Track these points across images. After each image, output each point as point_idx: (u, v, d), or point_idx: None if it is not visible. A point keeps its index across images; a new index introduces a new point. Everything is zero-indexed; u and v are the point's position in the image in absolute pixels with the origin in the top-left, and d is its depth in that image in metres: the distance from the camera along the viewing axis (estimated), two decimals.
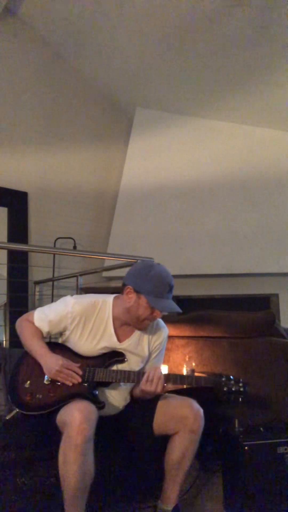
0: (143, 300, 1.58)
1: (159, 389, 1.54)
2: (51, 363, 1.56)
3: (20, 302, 3.68)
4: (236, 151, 4.55)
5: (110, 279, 4.39)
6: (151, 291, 1.57)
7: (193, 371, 2.35)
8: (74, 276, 3.42)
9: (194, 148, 4.59)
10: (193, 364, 2.40)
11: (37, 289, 3.88)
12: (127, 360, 1.66)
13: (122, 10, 3.56)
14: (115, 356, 1.65)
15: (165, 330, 1.79)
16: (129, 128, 4.73)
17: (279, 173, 4.44)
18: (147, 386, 1.54)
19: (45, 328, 1.67)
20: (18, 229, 3.89)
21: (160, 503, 1.63)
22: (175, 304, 1.62)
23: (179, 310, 1.61)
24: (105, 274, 4.24)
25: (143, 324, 1.66)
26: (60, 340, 1.73)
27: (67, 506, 1.38)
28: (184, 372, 2.38)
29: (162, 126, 4.66)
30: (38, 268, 3.93)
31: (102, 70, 4.40)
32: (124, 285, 1.64)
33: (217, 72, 4.00)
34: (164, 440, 1.62)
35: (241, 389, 1.58)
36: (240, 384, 1.59)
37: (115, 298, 1.71)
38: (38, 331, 1.67)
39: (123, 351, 1.67)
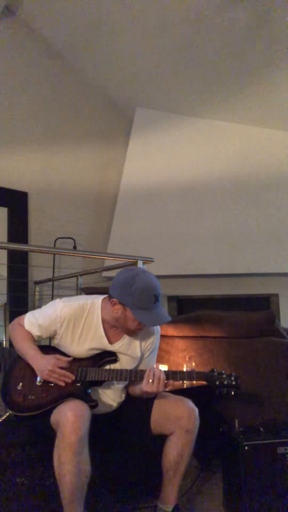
0: (129, 313, 1.56)
1: (161, 389, 1.54)
2: (43, 364, 1.56)
3: (20, 302, 3.68)
4: (236, 151, 4.55)
5: (110, 279, 4.38)
6: (135, 304, 1.53)
7: (193, 371, 2.35)
8: (74, 276, 3.42)
9: (194, 148, 4.59)
10: (193, 364, 2.39)
11: (37, 289, 3.88)
12: (119, 360, 1.66)
13: (122, 11, 3.56)
14: (107, 356, 1.65)
15: (157, 328, 1.78)
16: (129, 128, 4.73)
17: (279, 173, 4.44)
18: (149, 387, 1.54)
19: (35, 332, 1.66)
20: (18, 229, 3.89)
21: (160, 503, 1.62)
22: (164, 314, 1.58)
23: (166, 320, 1.57)
24: (105, 274, 4.24)
25: (133, 333, 1.66)
26: (52, 344, 1.73)
27: (66, 505, 1.38)
28: None
29: (162, 126, 4.66)
30: (38, 268, 3.93)
31: (102, 70, 4.40)
32: (110, 295, 1.61)
33: (217, 72, 4.00)
34: (163, 439, 1.62)
35: (233, 382, 1.58)
36: (232, 378, 1.59)
37: (103, 300, 1.69)
38: (29, 334, 1.67)
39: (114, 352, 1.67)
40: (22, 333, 1.67)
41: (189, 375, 1.62)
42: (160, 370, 1.57)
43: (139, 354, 1.71)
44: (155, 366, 1.62)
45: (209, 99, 4.36)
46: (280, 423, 1.86)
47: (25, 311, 1.78)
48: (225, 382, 1.58)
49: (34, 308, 3.69)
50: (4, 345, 3.41)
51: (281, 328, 2.24)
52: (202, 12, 3.36)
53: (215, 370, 1.61)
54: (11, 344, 3.31)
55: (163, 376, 1.55)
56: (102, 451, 1.55)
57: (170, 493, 1.60)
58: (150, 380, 1.54)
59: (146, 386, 1.54)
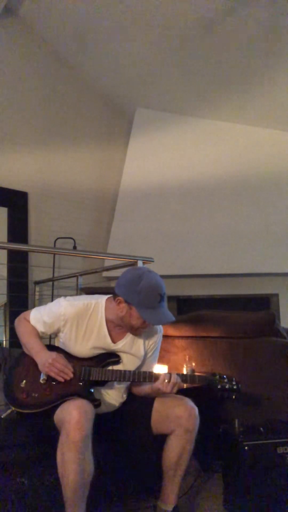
0: (134, 311, 1.58)
1: (174, 391, 1.58)
2: (45, 357, 1.58)
3: (20, 302, 3.68)
4: (236, 151, 4.55)
5: (110, 279, 4.39)
6: (141, 302, 1.55)
7: (193, 371, 2.35)
8: (74, 276, 3.42)
9: (194, 148, 4.59)
10: (193, 364, 2.39)
11: (37, 289, 3.88)
12: (121, 361, 1.67)
13: (123, 10, 3.56)
14: (110, 357, 1.66)
15: (160, 328, 1.80)
16: (129, 128, 4.73)
17: (279, 173, 4.44)
18: (164, 387, 1.57)
19: (40, 328, 1.69)
20: (18, 229, 3.89)
21: (160, 503, 1.63)
22: (168, 313, 1.61)
23: (171, 319, 1.59)
24: (105, 274, 4.24)
25: (137, 332, 1.68)
26: (56, 342, 1.74)
27: (68, 505, 1.38)
28: (184, 373, 2.37)
29: (162, 126, 4.66)
30: (38, 268, 3.93)
31: (103, 70, 4.40)
32: (115, 294, 1.63)
33: (217, 72, 4.00)
34: (163, 439, 1.62)
35: (234, 387, 1.60)
36: (234, 382, 1.61)
37: (107, 299, 1.71)
38: (35, 329, 1.69)
39: (118, 352, 1.68)
40: (28, 328, 1.70)
41: (192, 378, 1.63)
42: (177, 377, 1.59)
43: (142, 353, 1.72)
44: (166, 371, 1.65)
45: (209, 99, 4.36)
46: (280, 423, 1.86)
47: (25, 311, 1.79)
48: (227, 386, 1.60)
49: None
50: (4, 345, 3.41)
51: (281, 328, 2.24)
52: (203, 13, 3.36)
53: (217, 374, 1.62)
54: (11, 344, 3.32)
55: (178, 380, 1.58)
56: (102, 450, 1.55)
57: (171, 493, 1.60)
58: (166, 380, 1.56)
59: (161, 385, 1.57)
